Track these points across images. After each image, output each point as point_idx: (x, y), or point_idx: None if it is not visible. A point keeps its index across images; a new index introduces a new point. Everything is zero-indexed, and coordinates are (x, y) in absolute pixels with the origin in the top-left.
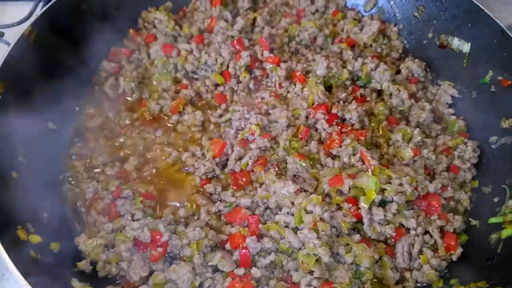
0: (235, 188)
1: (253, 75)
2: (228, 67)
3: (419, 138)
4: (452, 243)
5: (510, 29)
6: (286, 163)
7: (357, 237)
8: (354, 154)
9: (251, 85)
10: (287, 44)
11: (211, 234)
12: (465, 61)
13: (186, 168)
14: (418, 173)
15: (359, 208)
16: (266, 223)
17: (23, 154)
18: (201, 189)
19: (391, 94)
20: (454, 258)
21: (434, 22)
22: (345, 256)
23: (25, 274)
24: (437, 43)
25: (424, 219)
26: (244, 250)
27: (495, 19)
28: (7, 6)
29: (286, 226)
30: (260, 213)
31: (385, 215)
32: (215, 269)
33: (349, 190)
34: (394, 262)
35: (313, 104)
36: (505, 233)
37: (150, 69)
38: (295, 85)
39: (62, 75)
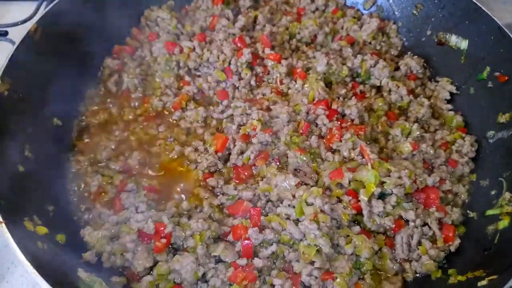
0: (237, 181)
1: (254, 72)
2: (230, 64)
3: (418, 133)
4: (450, 235)
5: (508, 27)
6: (287, 157)
7: (357, 228)
8: (353, 149)
9: (252, 82)
10: (287, 41)
11: (214, 226)
12: (463, 57)
13: (188, 163)
14: (416, 166)
15: (359, 201)
16: (267, 215)
17: (29, 149)
18: (204, 183)
19: (390, 90)
20: (452, 249)
21: (432, 19)
22: (345, 247)
23: (33, 264)
24: (435, 40)
25: (423, 211)
26: (246, 241)
27: (492, 17)
28: (12, 6)
29: (287, 218)
30: (262, 206)
31: (384, 207)
32: (218, 260)
33: (349, 183)
34: (394, 253)
35: (313, 100)
36: (501, 225)
37: (153, 66)
38: (295, 81)
39: (66, 72)
